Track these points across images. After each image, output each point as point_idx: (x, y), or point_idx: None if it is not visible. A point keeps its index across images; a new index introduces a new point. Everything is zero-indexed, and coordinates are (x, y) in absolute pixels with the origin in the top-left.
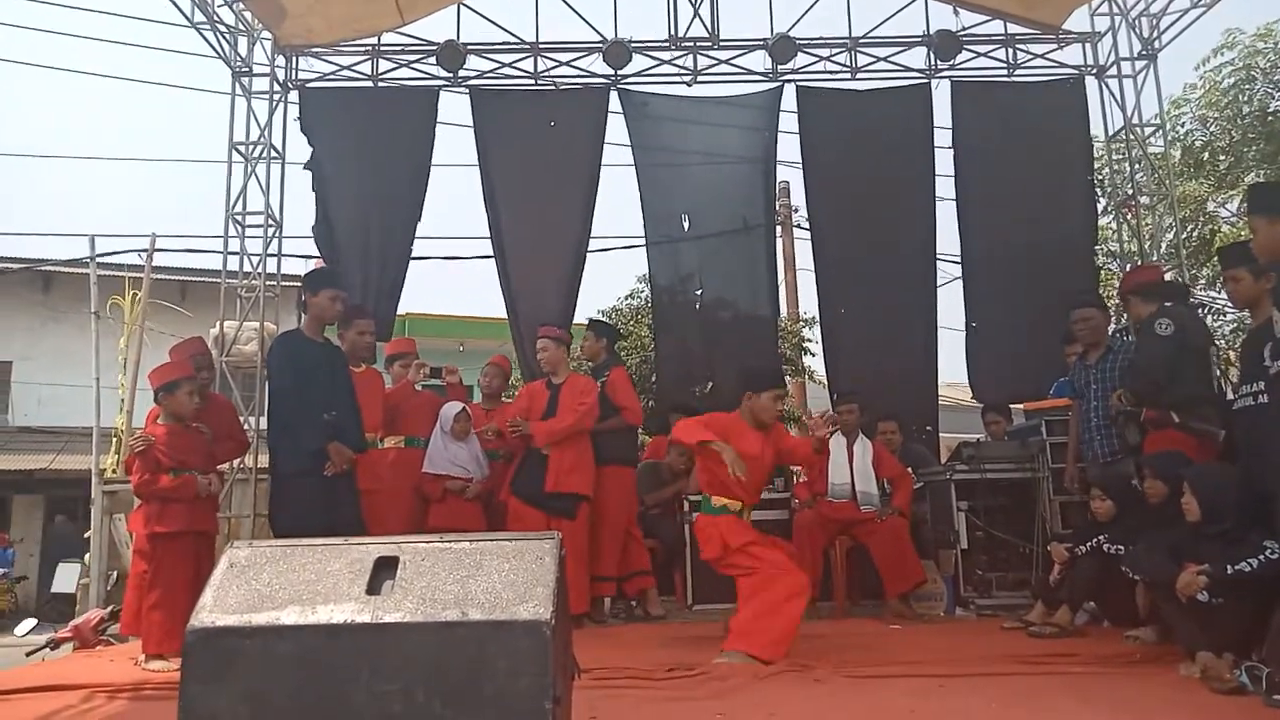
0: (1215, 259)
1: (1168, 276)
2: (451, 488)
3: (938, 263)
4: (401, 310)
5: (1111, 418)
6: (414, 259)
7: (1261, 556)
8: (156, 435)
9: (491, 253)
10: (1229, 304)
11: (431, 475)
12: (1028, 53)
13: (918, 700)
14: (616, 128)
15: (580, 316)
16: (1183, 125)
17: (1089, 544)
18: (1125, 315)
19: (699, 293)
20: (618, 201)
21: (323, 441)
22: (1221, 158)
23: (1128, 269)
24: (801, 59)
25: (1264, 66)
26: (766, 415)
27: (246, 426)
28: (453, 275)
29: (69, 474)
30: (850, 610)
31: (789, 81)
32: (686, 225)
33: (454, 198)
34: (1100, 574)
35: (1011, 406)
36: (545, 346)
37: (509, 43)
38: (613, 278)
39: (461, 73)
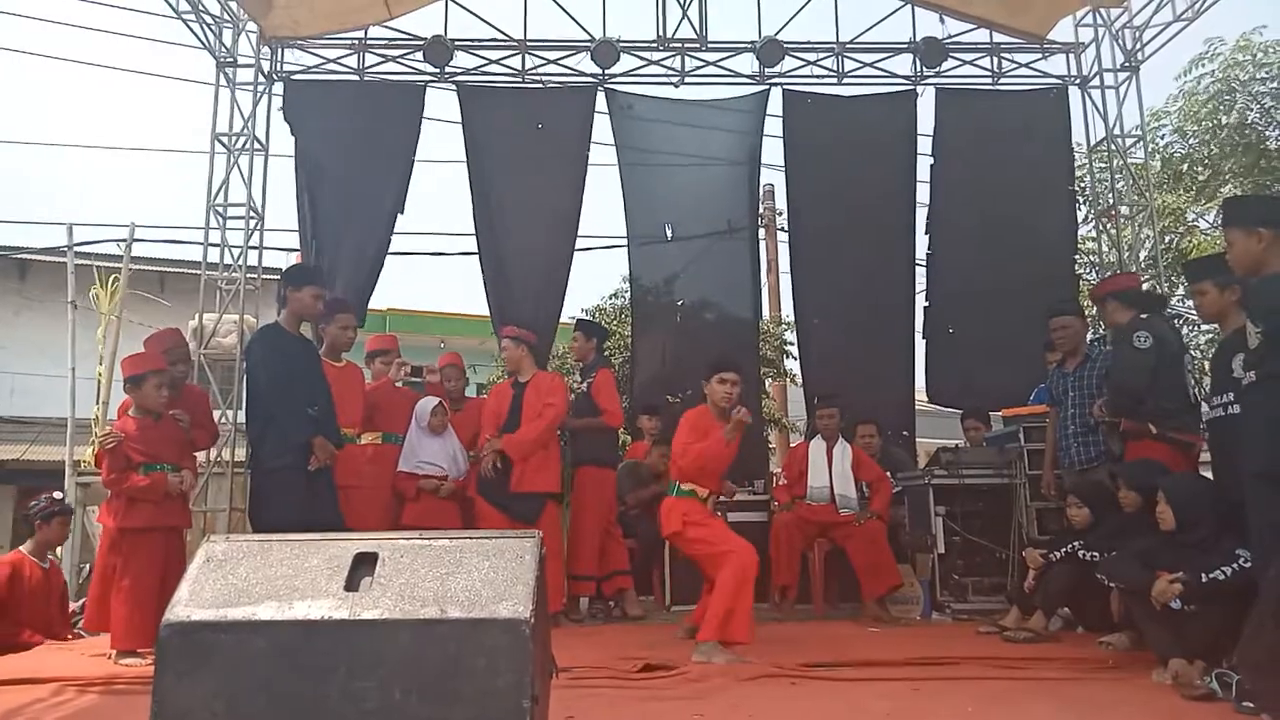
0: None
1: (1145, 287)
2: (424, 486)
3: (917, 269)
4: (383, 306)
5: (1094, 427)
6: (398, 254)
7: (1235, 565)
8: (127, 430)
9: (474, 250)
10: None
11: (405, 473)
12: (1012, 61)
13: (893, 703)
14: (602, 127)
15: (565, 316)
16: (1162, 137)
17: (1063, 550)
18: (1101, 321)
19: (680, 297)
20: (603, 200)
21: (308, 435)
22: (1200, 169)
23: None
24: (788, 63)
25: (1243, 79)
26: (716, 399)
27: (224, 419)
28: (435, 272)
29: (42, 464)
30: (827, 613)
31: (775, 85)
32: (670, 234)
33: (439, 193)
34: (1074, 580)
35: (990, 413)
36: (505, 346)
37: (497, 40)
38: (597, 277)
39: (448, 69)
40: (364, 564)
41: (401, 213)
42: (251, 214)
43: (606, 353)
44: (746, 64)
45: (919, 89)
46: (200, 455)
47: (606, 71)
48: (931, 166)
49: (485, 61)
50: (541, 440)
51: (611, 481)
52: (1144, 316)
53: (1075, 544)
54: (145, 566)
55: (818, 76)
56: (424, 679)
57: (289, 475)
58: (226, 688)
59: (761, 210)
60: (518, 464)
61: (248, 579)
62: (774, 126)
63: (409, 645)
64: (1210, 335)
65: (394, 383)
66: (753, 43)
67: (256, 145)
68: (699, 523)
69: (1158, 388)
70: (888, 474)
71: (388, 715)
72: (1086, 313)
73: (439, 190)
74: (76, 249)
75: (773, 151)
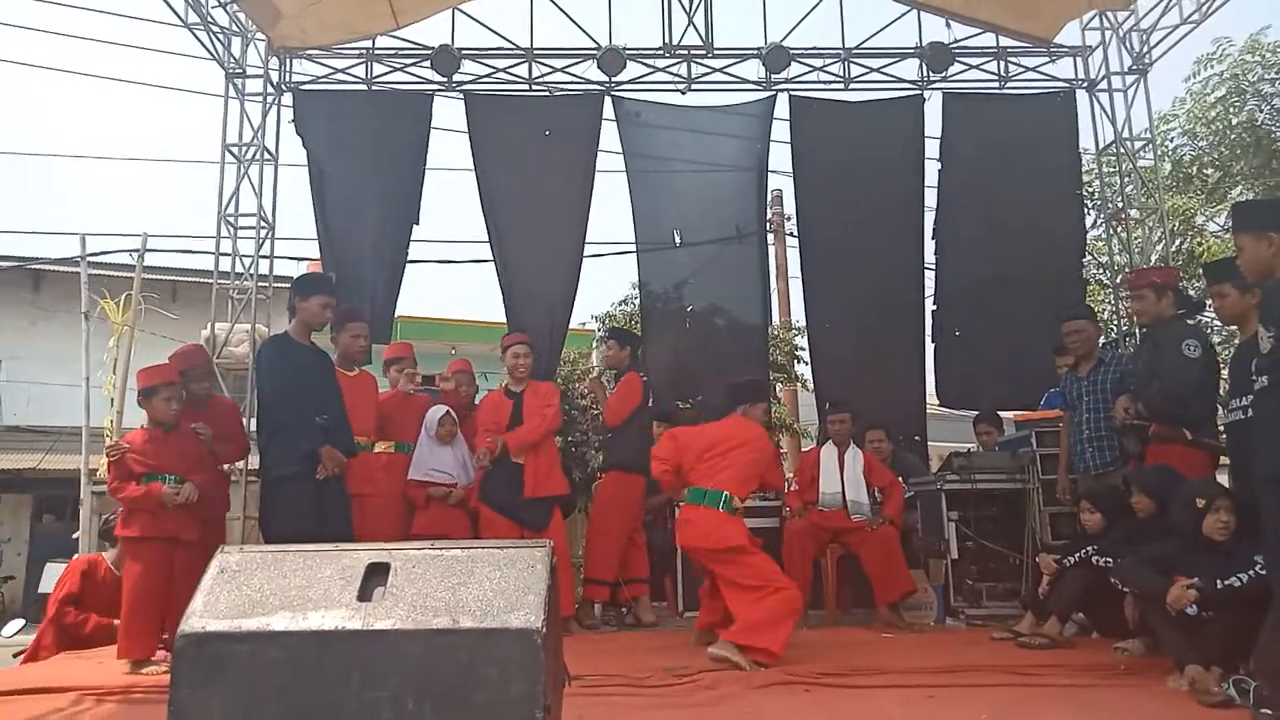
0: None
1: None
2: (435, 494)
3: (927, 273)
4: (395, 312)
5: (1119, 428)
6: (408, 263)
7: (1252, 571)
8: (134, 441)
9: (486, 257)
10: (1215, 318)
11: (415, 481)
12: (1019, 65)
13: (907, 710)
14: (609, 135)
15: (574, 322)
16: (1171, 140)
17: (1077, 555)
18: (1131, 310)
19: (689, 303)
20: (612, 207)
21: (316, 443)
22: (1209, 172)
23: (1121, 278)
24: (795, 69)
25: (1251, 79)
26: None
27: None
28: (444, 279)
29: (57, 473)
30: (840, 619)
31: (782, 91)
32: (678, 240)
33: (447, 202)
34: (1088, 585)
35: (1003, 417)
36: (525, 353)
37: (504, 48)
38: (606, 283)
39: (455, 78)
40: (376, 574)
41: (416, 223)
42: (262, 223)
43: None
44: (753, 70)
45: (926, 94)
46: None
47: (613, 79)
48: (939, 171)
49: (492, 70)
50: (541, 439)
51: (638, 486)
52: (1190, 323)
53: (1089, 549)
54: (142, 575)
55: (824, 82)
56: (437, 689)
57: (297, 484)
58: (241, 698)
59: (770, 216)
60: (529, 472)
61: (261, 589)
62: (781, 132)
63: (422, 655)
64: (1224, 337)
65: (404, 393)
66: (759, 49)
67: (266, 155)
68: (756, 550)
69: (1201, 395)
70: (899, 479)
71: None
72: (1100, 314)
73: (446, 198)
74: (90, 259)
75: (780, 157)
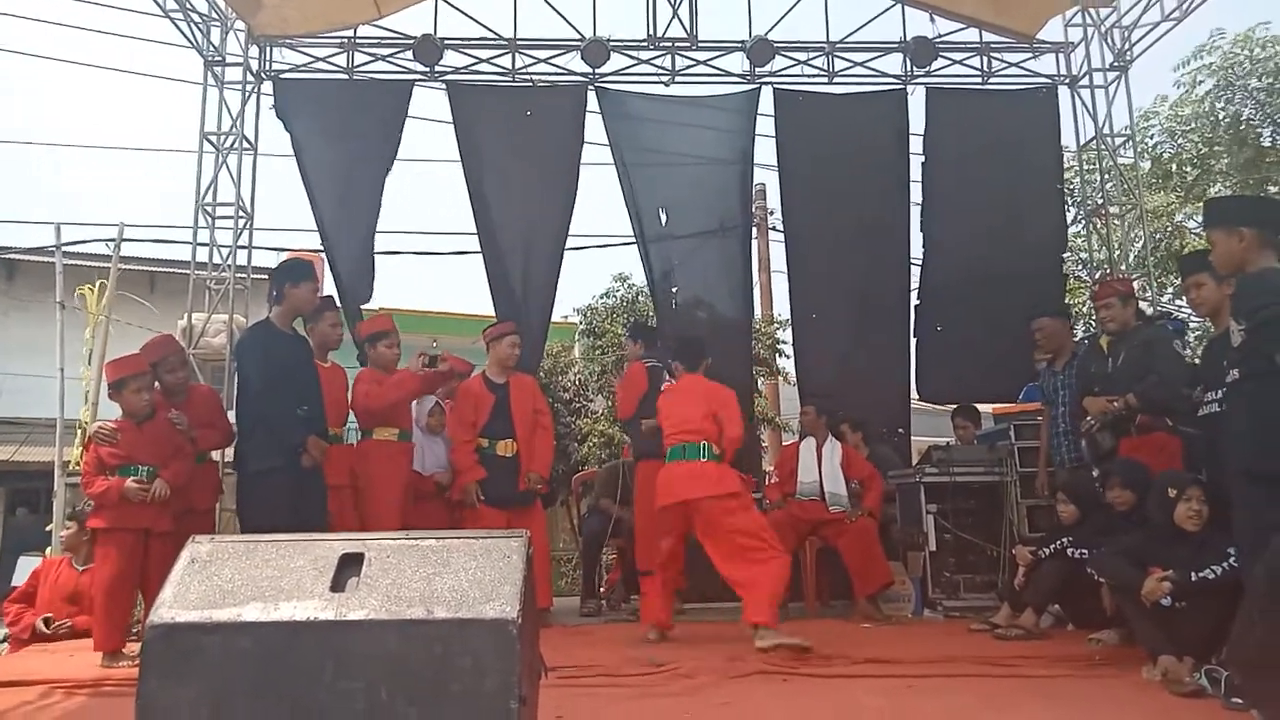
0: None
1: (1136, 285)
2: (443, 481)
3: (912, 267)
4: (375, 305)
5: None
6: (389, 254)
7: (1225, 564)
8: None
9: (467, 249)
10: (1192, 315)
11: (418, 474)
12: (1002, 61)
13: (885, 700)
14: (594, 126)
15: (556, 315)
16: (1151, 137)
17: (1053, 547)
18: (1101, 318)
19: (675, 292)
20: (595, 200)
21: (302, 435)
22: (1189, 170)
23: (1098, 277)
24: (779, 62)
25: (1240, 74)
26: None
27: None
28: (427, 271)
29: (32, 465)
30: (819, 611)
31: (766, 84)
32: (664, 219)
33: (430, 193)
34: (1064, 577)
35: (981, 411)
36: (518, 343)
37: (486, 38)
38: (589, 276)
39: (438, 68)
40: (350, 564)
41: (379, 206)
42: (240, 213)
43: (599, 351)
44: (737, 63)
45: (909, 88)
46: (217, 454)
47: (597, 70)
48: (922, 165)
49: (475, 60)
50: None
51: None
52: (1159, 324)
53: (1064, 541)
54: (112, 566)
55: (808, 76)
56: (411, 680)
57: (278, 477)
58: (212, 690)
59: (753, 209)
60: (524, 468)
61: (233, 580)
62: (765, 126)
63: (396, 646)
64: (1199, 333)
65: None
66: (743, 42)
67: (245, 144)
68: (753, 505)
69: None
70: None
71: (375, 716)
72: (1078, 309)
73: (430, 190)
74: (65, 249)
75: (764, 151)
